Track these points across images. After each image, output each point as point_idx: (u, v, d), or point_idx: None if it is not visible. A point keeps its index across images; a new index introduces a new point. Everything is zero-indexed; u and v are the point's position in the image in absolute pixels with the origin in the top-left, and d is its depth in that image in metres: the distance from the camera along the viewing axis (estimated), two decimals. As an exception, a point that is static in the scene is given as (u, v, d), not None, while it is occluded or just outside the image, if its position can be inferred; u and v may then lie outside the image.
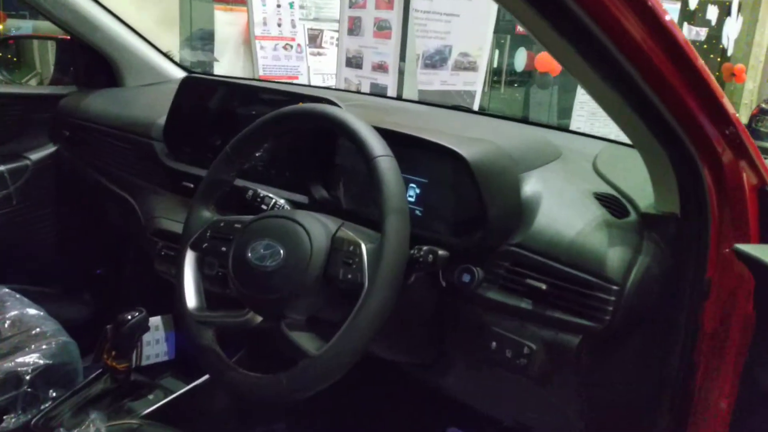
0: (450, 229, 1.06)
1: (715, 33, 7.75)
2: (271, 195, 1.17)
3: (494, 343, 1.01)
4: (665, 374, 1.00)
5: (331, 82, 4.08)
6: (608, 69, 0.76)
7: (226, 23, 4.37)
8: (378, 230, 0.97)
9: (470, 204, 1.02)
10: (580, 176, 1.13)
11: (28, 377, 1.25)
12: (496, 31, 5.30)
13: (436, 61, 4.65)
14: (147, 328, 1.30)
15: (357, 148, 0.92)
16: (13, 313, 1.44)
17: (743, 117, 7.99)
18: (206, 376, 1.32)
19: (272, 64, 3.98)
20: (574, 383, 0.99)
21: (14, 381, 1.24)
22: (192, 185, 1.40)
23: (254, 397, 0.93)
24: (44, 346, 1.32)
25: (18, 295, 1.54)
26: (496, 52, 7.01)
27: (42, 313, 1.47)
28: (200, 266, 1.06)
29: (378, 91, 3.80)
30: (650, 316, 0.96)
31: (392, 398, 1.54)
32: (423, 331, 1.10)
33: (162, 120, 1.50)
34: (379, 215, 0.88)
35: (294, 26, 4.09)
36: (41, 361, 1.28)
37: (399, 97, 3.18)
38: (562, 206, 1.02)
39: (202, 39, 4.57)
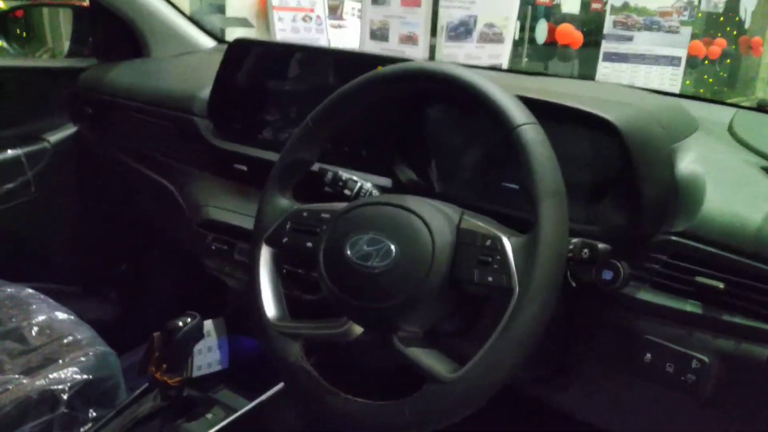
0: (587, 216, 0.86)
1: (733, 5, 7.50)
2: (355, 178, 0.97)
3: (649, 355, 0.81)
4: None
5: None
6: None
7: (238, -6, 4.15)
8: (492, 216, 0.78)
9: (616, 183, 0.82)
10: (730, 148, 0.93)
11: (65, 396, 1.06)
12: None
13: (460, 32, 4.42)
14: (201, 336, 1.11)
15: (492, 116, 0.72)
16: (41, 318, 1.25)
17: (760, 92, 7.77)
18: (271, 391, 1.13)
19: (291, 37, 3.76)
20: (755, 405, 0.80)
21: (50, 401, 1.05)
22: (245, 168, 1.20)
23: (365, 429, 0.74)
24: (81, 358, 1.13)
25: (43, 296, 1.36)
26: (517, 24, 6.79)
27: (73, 318, 1.29)
28: (278, 266, 0.87)
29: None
30: None
31: (497, 415, 1.34)
32: (544, 340, 0.91)
33: (205, 93, 1.29)
34: (528, 200, 0.69)
35: (313, -4, 3.87)
36: (79, 376, 1.09)
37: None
38: (733, 185, 0.82)
39: (215, 11, 4.34)
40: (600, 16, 5.62)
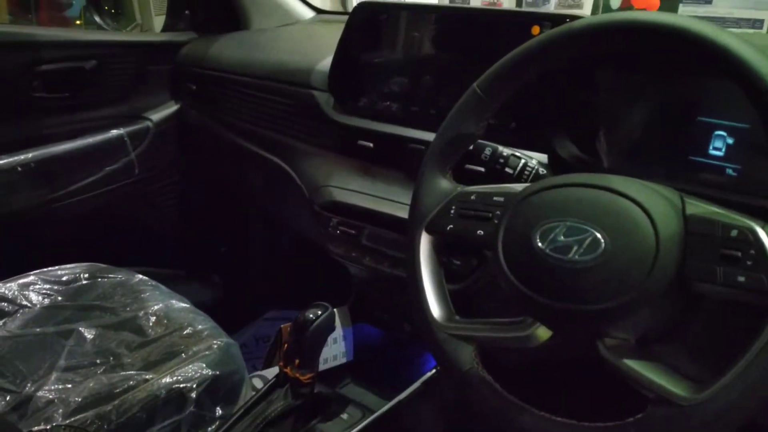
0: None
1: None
2: (518, 154, 0.85)
3: None
4: None
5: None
6: None
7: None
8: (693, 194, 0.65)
9: None
10: None
11: (193, 394, 0.99)
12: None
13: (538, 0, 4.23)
14: (333, 328, 1.02)
15: (739, 79, 0.58)
16: (157, 306, 1.19)
17: None
18: (409, 390, 1.03)
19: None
20: None
21: (177, 400, 0.98)
22: (371, 145, 1.09)
23: None
24: (206, 352, 1.06)
25: (155, 283, 1.30)
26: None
27: (189, 306, 1.22)
28: (440, 257, 0.76)
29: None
30: None
31: None
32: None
33: (322, 65, 1.19)
34: None
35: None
36: (207, 372, 1.02)
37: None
38: None
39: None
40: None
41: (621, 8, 6.66)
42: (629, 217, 0.61)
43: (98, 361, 1.07)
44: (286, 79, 1.24)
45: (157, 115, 1.56)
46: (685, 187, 0.72)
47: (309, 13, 1.68)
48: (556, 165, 0.89)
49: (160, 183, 1.60)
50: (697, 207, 0.61)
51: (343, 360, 1.15)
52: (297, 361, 0.99)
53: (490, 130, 0.90)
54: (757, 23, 3.88)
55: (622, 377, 0.60)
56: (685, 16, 0.63)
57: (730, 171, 0.77)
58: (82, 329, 1.14)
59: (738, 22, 4.06)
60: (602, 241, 0.61)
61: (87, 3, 2.05)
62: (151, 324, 1.15)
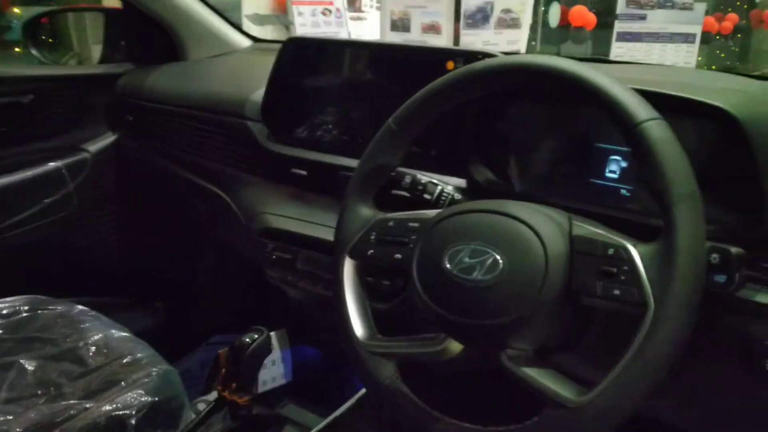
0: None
1: (745, -21, 7.39)
2: (435, 181, 0.91)
3: None
4: None
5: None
6: None
7: (252, -10, 4.08)
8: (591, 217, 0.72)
9: (732, 178, 0.76)
10: None
11: (132, 421, 1.02)
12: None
13: (478, 19, 4.34)
14: (269, 351, 1.06)
15: (610, 113, 0.66)
16: (97, 336, 1.21)
17: (773, 65, 7.66)
18: (344, 407, 1.08)
19: (311, 32, 3.69)
20: None
21: (117, 427, 1.01)
22: (304, 172, 1.15)
23: None
24: (145, 379, 1.09)
25: (94, 313, 1.31)
26: (531, 7, 6.70)
27: (129, 335, 1.24)
28: (363, 280, 0.82)
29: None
30: None
31: None
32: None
33: (256, 96, 1.24)
34: (660, 203, 0.63)
35: (332, -11, 3.79)
36: (145, 399, 1.05)
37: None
38: None
39: (227, 8, 4.27)
40: (612, -4, 5.56)
41: (559, 26, 6.80)
42: (523, 239, 0.68)
43: (39, 392, 1.09)
44: (221, 109, 1.28)
45: (95, 146, 1.58)
46: (587, 207, 0.80)
47: (246, 42, 1.73)
48: (473, 189, 0.96)
49: (99, 213, 1.62)
50: (582, 228, 0.68)
51: (283, 381, 1.19)
52: (234, 384, 1.03)
53: (414, 158, 0.97)
54: (690, 37, 4.08)
55: (522, 384, 0.67)
56: (565, 59, 0.71)
57: (624, 192, 0.85)
58: (23, 361, 1.15)
59: (671, 37, 4.26)
60: (500, 261, 0.67)
61: (24, 34, 2.05)
62: (91, 354, 1.17)
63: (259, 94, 1.22)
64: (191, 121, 1.36)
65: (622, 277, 0.63)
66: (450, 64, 0.99)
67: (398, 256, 0.77)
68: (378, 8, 3.94)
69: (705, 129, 0.76)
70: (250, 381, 1.04)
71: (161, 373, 1.11)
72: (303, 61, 1.17)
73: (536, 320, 0.67)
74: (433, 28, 3.55)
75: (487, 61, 0.75)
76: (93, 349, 1.18)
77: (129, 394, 1.05)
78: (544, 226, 0.68)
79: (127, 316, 1.37)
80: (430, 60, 1.01)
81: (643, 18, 4.30)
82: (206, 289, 1.73)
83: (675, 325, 0.60)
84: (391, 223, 0.79)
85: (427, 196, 0.91)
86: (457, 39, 3.59)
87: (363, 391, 1.10)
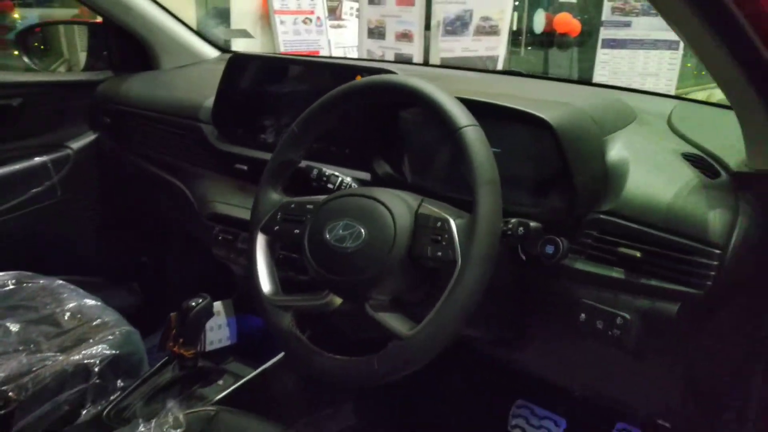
0: (530, 200, 1.02)
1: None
2: (336, 173, 1.13)
3: (583, 315, 0.97)
4: (761, 338, 0.97)
5: (354, 55, 4.01)
6: (719, 25, 0.71)
7: (242, 1, 4.31)
8: (455, 205, 0.94)
9: (553, 172, 0.97)
10: (661, 137, 1.08)
11: (96, 369, 1.24)
12: (514, -8, 5.19)
13: (457, 27, 4.55)
14: (212, 314, 1.28)
15: (439, 119, 0.88)
16: (72, 304, 1.43)
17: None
18: (273, 360, 1.30)
19: (293, 39, 3.92)
20: (670, 353, 0.96)
21: (83, 373, 1.23)
22: (245, 168, 1.37)
23: (344, 381, 0.90)
24: (109, 337, 1.31)
25: (72, 287, 1.53)
26: (515, 15, 6.87)
27: (100, 303, 1.46)
28: (272, 250, 1.03)
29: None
30: (749, 281, 0.92)
31: (460, 373, 1.51)
32: (502, 306, 1.07)
33: (209, 102, 1.46)
34: (469, 187, 0.84)
35: (312, -1, 4.03)
36: (107, 352, 1.27)
37: (428, 64, 3.10)
38: (652, 170, 0.97)
39: (219, 17, 4.50)
40: (598, 3, 5.71)
41: (544, 32, 6.94)
42: (380, 216, 0.89)
43: (20, 348, 1.31)
44: (180, 113, 1.51)
45: (77, 144, 1.80)
46: (458, 196, 1.01)
47: (214, 53, 1.95)
48: (375, 181, 1.17)
49: (80, 202, 1.84)
50: (426, 208, 0.90)
51: (228, 343, 1.41)
52: (181, 340, 1.25)
53: (330, 155, 1.19)
54: (673, 44, 4.27)
55: (378, 325, 0.88)
56: (415, 78, 0.92)
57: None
58: (8, 324, 1.37)
59: (655, 44, 4.45)
60: (363, 232, 0.89)
61: (17, 43, 2.27)
62: (66, 318, 1.39)
63: (211, 100, 1.44)
64: (157, 123, 1.59)
65: (444, 243, 0.85)
66: (358, 78, 1.21)
67: (297, 231, 0.99)
68: (357, 17, 4.17)
69: (534, 134, 0.98)
70: (194, 338, 1.25)
71: (124, 333, 1.33)
72: (246, 72, 1.39)
73: (388, 277, 0.88)
74: (405, 36, 3.78)
75: (357, 81, 0.97)
76: (68, 314, 1.40)
77: (95, 348, 1.27)
78: (397, 207, 0.90)
79: (105, 295, 1.58)
80: (343, 73, 1.23)
81: (628, 25, 4.48)
82: (174, 271, 1.95)
83: (475, 275, 0.81)
84: (293, 206, 1.01)
85: (330, 185, 1.13)
86: (427, 46, 3.82)
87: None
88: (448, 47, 4.38)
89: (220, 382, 1.29)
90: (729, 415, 1.07)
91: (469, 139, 0.85)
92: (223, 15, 4.40)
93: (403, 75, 0.95)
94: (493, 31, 4.82)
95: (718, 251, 0.86)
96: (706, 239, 0.87)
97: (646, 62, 4.16)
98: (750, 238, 0.89)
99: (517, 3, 7.19)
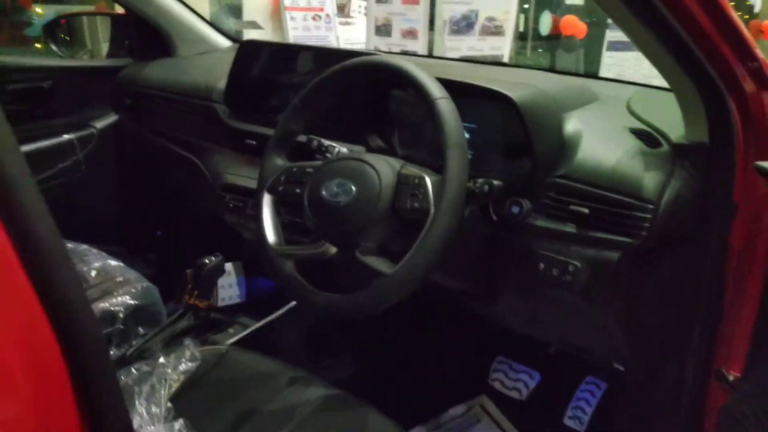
0: (500, 167, 1.17)
1: (743, -11, 7.63)
2: (334, 144, 1.29)
3: (542, 265, 1.13)
4: (698, 291, 1.12)
5: (360, 51, 4.15)
6: (652, 20, 0.87)
7: (254, -3, 4.48)
8: (434, 169, 1.09)
9: (518, 143, 1.13)
10: (615, 115, 1.23)
11: (120, 315, 1.40)
12: (520, -6, 5.32)
13: (462, 26, 4.70)
14: (224, 271, 1.44)
15: (417, 93, 1.04)
16: (97, 264, 1.59)
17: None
18: (277, 313, 1.46)
19: (303, 35, 4.09)
20: (614, 298, 1.11)
21: (109, 319, 1.39)
22: (254, 142, 1.53)
23: (336, 313, 1.06)
24: (132, 290, 1.47)
25: (96, 250, 1.69)
26: (521, 16, 7.00)
27: (122, 264, 1.62)
28: (276, 208, 1.19)
29: (407, 57, 3.87)
30: (682, 236, 1.08)
31: (447, 333, 1.67)
32: (477, 261, 1.23)
33: (221, 84, 1.62)
34: (441, 150, 1.00)
35: (322, -4, 4.20)
36: (130, 302, 1.43)
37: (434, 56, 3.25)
38: (601, 140, 1.13)
39: (231, 12, 4.68)
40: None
41: (550, 34, 7.04)
42: (368, 175, 1.05)
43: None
44: (194, 94, 1.67)
45: (100, 124, 1.97)
46: (437, 162, 1.17)
47: (226, 43, 2.11)
48: (369, 152, 1.33)
49: (103, 177, 2.01)
50: (407, 169, 1.05)
51: (237, 300, 1.58)
52: (196, 293, 1.41)
53: (330, 131, 1.35)
54: None
55: (366, 268, 1.04)
56: (398, 58, 1.09)
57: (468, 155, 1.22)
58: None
59: None
60: (354, 189, 1.05)
61: (44, 33, 2.44)
62: (93, 275, 1.56)
63: (224, 82, 1.61)
64: (174, 104, 1.75)
65: (420, 197, 1.00)
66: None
67: (297, 190, 1.15)
68: (365, 14, 4.33)
69: (501, 110, 1.14)
70: (208, 291, 1.41)
71: (144, 287, 1.50)
72: (255, 58, 1.55)
73: (374, 226, 1.04)
74: (411, 33, 3.94)
75: (350, 60, 1.13)
76: (94, 272, 1.57)
77: (118, 298, 1.44)
78: (383, 168, 1.06)
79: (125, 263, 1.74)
80: (339, 59, 1.39)
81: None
82: (187, 243, 2.11)
83: (444, 223, 0.97)
84: (295, 169, 1.17)
85: (328, 155, 1.29)
86: (431, 44, 3.98)
87: (291, 304, 1.48)
88: (454, 46, 4.53)
89: (231, 330, 1.45)
90: (671, 362, 1.22)
91: (442, 109, 1.01)
92: (236, 11, 4.58)
93: (390, 55, 1.11)
94: (498, 31, 4.96)
95: (651, 206, 1.02)
96: (641, 196, 1.03)
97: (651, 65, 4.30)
98: (682, 198, 1.04)
99: (525, 6, 7.36)
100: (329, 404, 1.13)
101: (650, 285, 1.13)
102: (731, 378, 1.13)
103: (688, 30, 0.89)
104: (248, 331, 1.42)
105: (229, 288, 1.55)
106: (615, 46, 4.99)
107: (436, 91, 1.03)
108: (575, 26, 7.23)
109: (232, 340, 1.38)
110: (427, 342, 1.67)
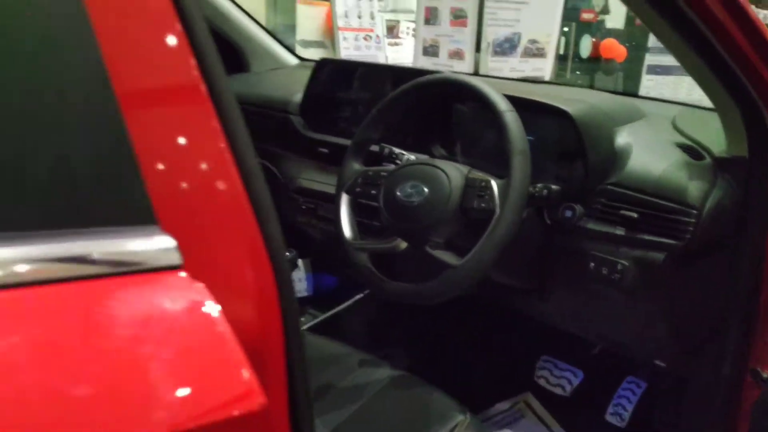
0: (555, 175, 1.30)
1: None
2: (404, 152, 1.44)
3: (592, 264, 1.25)
4: (735, 292, 1.23)
5: (407, 70, 4.32)
6: (700, 45, 1.00)
7: (307, 17, 4.69)
8: (494, 176, 1.23)
9: (572, 153, 1.26)
10: (662, 131, 1.36)
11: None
12: (562, 18, 5.43)
13: (505, 48, 4.84)
14: (296, 266, 1.59)
15: (486, 106, 1.18)
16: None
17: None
18: (346, 304, 1.60)
19: (354, 54, 4.27)
20: (658, 296, 1.23)
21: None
22: (326, 150, 1.68)
23: (409, 300, 1.20)
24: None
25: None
26: (562, 39, 7.10)
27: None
28: (353, 207, 1.34)
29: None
30: (722, 241, 1.19)
31: (496, 333, 1.80)
32: (530, 260, 1.36)
33: (296, 97, 1.78)
34: (506, 157, 1.13)
35: (373, 18, 4.38)
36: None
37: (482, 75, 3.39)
38: (649, 152, 1.26)
39: (285, 31, 4.89)
40: (644, 30, 5.92)
41: (591, 57, 7.12)
42: (440, 178, 1.19)
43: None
44: (271, 106, 1.83)
45: None
46: (497, 170, 1.30)
47: (294, 61, 2.29)
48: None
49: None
50: (473, 173, 1.19)
51: (305, 294, 1.72)
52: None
53: (399, 142, 1.50)
54: None
55: (435, 260, 1.18)
56: (468, 76, 1.23)
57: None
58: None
59: None
60: (426, 190, 1.19)
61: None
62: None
63: (298, 96, 1.77)
64: (252, 115, 1.92)
65: (486, 197, 1.14)
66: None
67: (373, 192, 1.29)
68: (413, 36, 4.51)
69: (559, 123, 1.27)
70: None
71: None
72: (330, 74, 1.71)
73: (443, 224, 1.18)
74: (457, 54, 4.09)
75: (424, 77, 1.28)
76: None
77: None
78: (452, 171, 1.20)
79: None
80: (409, 77, 1.54)
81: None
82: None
83: (508, 221, 1.10)
84: (370, 173, 1.32)
85: (398, 161, 1.43)
86: (476, 64, 4.12)
87: (356, 297, 1.62)
88: (497, 67, 4.67)
89: (303, 318, 1.60)
90: (709, 359, 1.33)
91: (508, 120, 1.15)
92: (289, 30, 4.80)
93: (457, 73, 1.26)
94: (540, 53, 5.08)
95: (695, 212, 1.14)
96: (686, 202, 1.15)
97: (690, 89, 4.37)
98: (722, 206, 1.16)
99: (566, 29, 7.48)
100: (397, 384, 1.26)
101: (691, 285, 1.24)
102: (766, 376, 1.24)
103: (735, 59, 1.02)
104: (319, 319, 1.56)
105: (298, 282, 1.70)
106: (654, 70, 5.06)
107: (503, 104, 1.16)
108: (615, 49, 7.32)
109: (305, 327, 1.53)
110: (477, 341, 1.80)
